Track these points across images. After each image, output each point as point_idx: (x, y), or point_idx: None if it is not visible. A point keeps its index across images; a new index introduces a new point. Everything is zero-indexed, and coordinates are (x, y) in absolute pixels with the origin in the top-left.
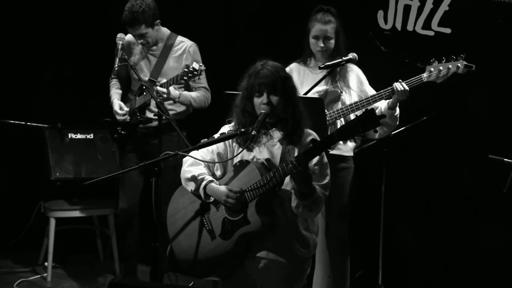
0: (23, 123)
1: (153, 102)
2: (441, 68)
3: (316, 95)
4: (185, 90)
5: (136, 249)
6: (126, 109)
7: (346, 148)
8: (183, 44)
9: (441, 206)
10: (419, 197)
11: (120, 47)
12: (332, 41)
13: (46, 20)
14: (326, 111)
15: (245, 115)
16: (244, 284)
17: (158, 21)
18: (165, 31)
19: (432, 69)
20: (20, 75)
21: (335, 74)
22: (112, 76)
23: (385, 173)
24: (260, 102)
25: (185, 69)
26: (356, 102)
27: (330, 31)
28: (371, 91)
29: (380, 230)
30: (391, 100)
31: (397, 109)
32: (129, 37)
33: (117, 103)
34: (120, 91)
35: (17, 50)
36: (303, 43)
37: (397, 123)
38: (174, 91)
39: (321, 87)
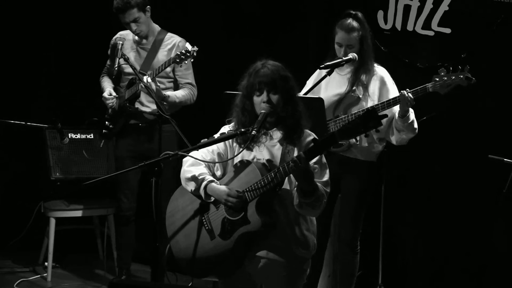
0: (23, 123)
1: (147, 99)
2: (445, 78)
3: (336, 98)
4: (173, 85)
5: (131, 249)
6: (114, 94)
7: (370, 153)
8: (173, 39)
9: (441, 206)
10: (419, 197)
11: (120, 47)
12: (355, 50)
13: (46, 20)
14: (340, 114)
15: (244, 114)
16: (243, 284)
17: (149, 7)
18: (156, 27)
19: (437, 79)
20: (20, 75)
21: (355, 78)
22: (103, 74)
23: (385, 173)
24: (260, 101)
25: (177, 52)
26: (366, 109)
27: (353, 40)
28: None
29: (380, 230)
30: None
31: (411, 117)
32: (120, 33)
33: (107, 90)
34: (112, 85)
35: (17, 50)
36: (332, 44)
37: (416, 131)
38: (159, 90)
39: (342, 89)
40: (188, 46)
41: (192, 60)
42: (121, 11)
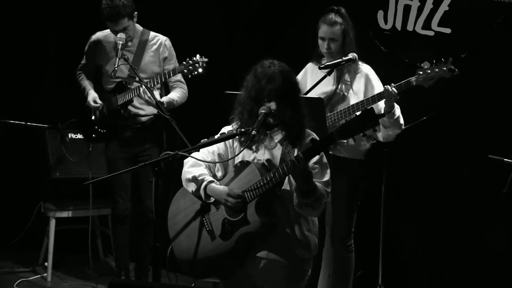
0: (23, 123)
1: (139, 101)
2: (429, 71)
3: (323, 96)
4: (161, 88)
5: (128, 248)
6: (100, 102)
7: (358, 151)
8: (158, 38)
9: (441, 206)
10: (419, 197)
11: (120, 47)
12: (338, 43)
13: (46, 20)
14: (327, 112)
15: (250, 115)
16: (244, 284)
17: (136, 13)
18: (138, 27)
19: (421, 72)
20: (20, 75)
21: (340, 76)
22: (79, 70)
23: (385, 173)
24: (268, 106)
25: (184, 62)
26: (351, 106)
27: (335, 33)
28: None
29: (380, 230)
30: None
31: (397, 113)
32: (98, 35)
33: (92, 94)
34: (93, 86)
35: (17, 50)
36: (318, 42)
37: (402, 127)
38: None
39: (328, 87)
40: (197, 56)
41: (201, 71)
42: (112, 20)
